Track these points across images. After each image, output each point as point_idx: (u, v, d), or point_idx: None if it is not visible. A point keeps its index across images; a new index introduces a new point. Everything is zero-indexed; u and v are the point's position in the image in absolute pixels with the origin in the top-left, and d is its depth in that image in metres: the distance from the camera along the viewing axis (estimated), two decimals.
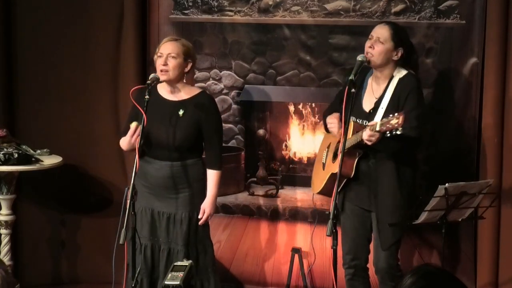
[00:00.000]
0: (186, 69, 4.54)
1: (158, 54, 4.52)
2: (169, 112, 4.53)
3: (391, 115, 4.03)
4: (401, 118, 3.94)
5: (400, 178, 4.33)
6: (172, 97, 4.56)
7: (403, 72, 4.37)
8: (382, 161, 4.31)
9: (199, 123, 4.52)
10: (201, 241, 4.59)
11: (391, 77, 4.37)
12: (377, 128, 4.06)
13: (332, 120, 4.49)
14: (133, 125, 4.43)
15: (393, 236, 4.38)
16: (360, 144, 4.23)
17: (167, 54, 4.49)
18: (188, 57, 4.53)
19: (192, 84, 4.76)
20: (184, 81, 4.57)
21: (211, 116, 4.56)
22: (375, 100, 4.39)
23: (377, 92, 4.41)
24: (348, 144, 4.21)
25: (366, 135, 4.12)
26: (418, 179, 4.85)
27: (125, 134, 4.55)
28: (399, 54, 4.35)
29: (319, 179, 4.63)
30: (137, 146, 4.29)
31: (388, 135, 4.02)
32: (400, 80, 4.35)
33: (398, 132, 3.97)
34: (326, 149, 4.65)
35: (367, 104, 4.41)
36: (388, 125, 4.00)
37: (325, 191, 4.58)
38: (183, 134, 4.49)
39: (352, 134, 4.28)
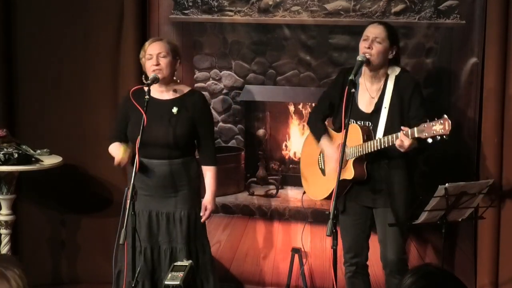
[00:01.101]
0: (176, 67, 4.57)
1: (147, 56, 4.52)
2: (165, 111, 4.53)
3: (428, 120, 3.97)
4: (446, 123, 3.89)
5: (410, 175, 4.35)
6: (164, 96, 4.57)
7: (397, 70, 4.37)
8: (395, 160, 4.30)
9: (194, 121, 4.54)
10: (200, 239, 4.60)
11: (386, 76, 4.37)
12: (416, 135, 4.00)
13: (332, 153, 4.41)
14: (121, 156, 4.43)
15: (406, 231, 4.44)
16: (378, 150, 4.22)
17: (156, 54, 4.49)
18: (176, 54, 4.56)
19: (181, 82, 4.79)
20: (175, 78, 4.59)
21: (204, 113, 4.61)
22: (374, 101, 4.37)
23: (373, 91, 4.39)
24: (364, 150, 4.22)
25: (406, 142, 4.03)
26: (418, 178, 4.85)
27: (113, 139, 4.60)
28: (394, 53, 4.36)
29: (323, 186, 4.58)
30: (137, 145, 4.29)
31: (430, 141, 3.97)
32: (397, 78, 4.35)
33: (445, 138, 3.93)
34: (321, 154, 4.61)
35: (364, 105, 4.40)
36: (431, 131, 3.94)
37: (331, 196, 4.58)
38: (181, 130, 4.50)
39: (363, 140, 4.26)
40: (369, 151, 4.24)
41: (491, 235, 4.95)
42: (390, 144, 4.14)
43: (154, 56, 4.49)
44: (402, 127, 4.10)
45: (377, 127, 4.31)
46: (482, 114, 4.93)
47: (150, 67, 4.50)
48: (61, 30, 5.48)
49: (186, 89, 4.62)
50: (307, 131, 4.76)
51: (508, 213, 4.92)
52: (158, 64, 4.48)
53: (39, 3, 5.48)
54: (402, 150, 4.10)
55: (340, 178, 4.41)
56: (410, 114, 4.26)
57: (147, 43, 4.59)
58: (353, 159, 4.30)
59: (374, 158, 4.32)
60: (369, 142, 4.23)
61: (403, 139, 4.05)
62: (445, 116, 3.94)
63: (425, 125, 3.97)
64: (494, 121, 4.89)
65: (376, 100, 4.37)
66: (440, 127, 3.91)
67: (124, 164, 4.50)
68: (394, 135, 4.14)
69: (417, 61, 4.96)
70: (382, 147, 4.19)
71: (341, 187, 4.27)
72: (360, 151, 4.25)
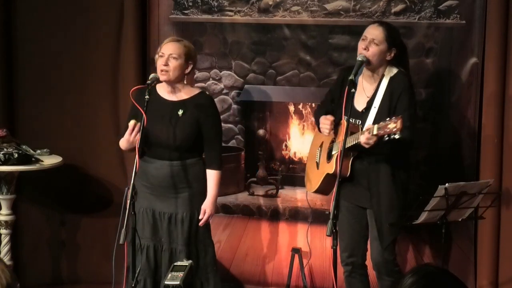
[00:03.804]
0: (187, 71, 4.53)
1: (160, 54, 4.51)
2: (169, 112, 4.53)
3: (388, 119, 4.03)
4: (398, 122, 3.95)
5: (395, 178, 4.34)
6: (172, 97, 4.56)
7: (394, 71, 4.37)
8: (377, 161, 4.32)
9: (199, 123, 4.53)
10: (202, 241, 4.59)
11: (382, 76, 4.38)
12: (374, 132, 4.06)
13: (325, 121, 4.45)
14: (131, 123, 4.42)
15: (391, 235, 4.40)
16: (356, 146, 4.23)
17: (168, 54, 4.48)
18: (189, 58, 4.52)
19: (192, 85, 4.75)
20: (185, 82, 4.57)
21: (210, 116, 4.56)
22: (367, 100, 4.39)
23: (369, 91, 4.41)
24: (343, 145, 4.22)
25: (363, 138, 4.12)
26: (418, 179, 4.85)
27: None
28: (392, 54, 4.36)
29: (315, 178, 4.63)
30: (137, 145, 4.29)
31: (386, 139, 4.02)
32: (391, 79, 4.36)
33: (396, 137, 3.97)
34: (319, 148, 4.65)
35: (359, 103, 4.41)
36: (385, 129, 4.00)
37: (321, 190, 4.60)
38: (182, 133, 4.50)
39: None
40: (345, 146, 4.24)
41: (491, 235, 4.95)
42: (356, 141, 4.18)
43: (165, 55, 4.47)
44: (366, 125, 4.17)
45: (364, 125, 4.33)
46: (482, 114, 4.94)
47: (159, 66, 4.49)
48: (61, 30, 5.48)
49: (195, 91, 4.60)
50: (310, 131, 4.78)
51: (508, 213, 4.93)
52: (166, 65, 4.47)
53: (39, 3, 5.48)
54: (366, 146, 4.14)
55: (324, 172, 4.45)
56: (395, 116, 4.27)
57: (165, 41, 4.57)
58: (337, 153, 4.33)
59: (360, 157, 4.34)
60: (346, 138, 4.25)
61: (366, 136, 4.10)
62: (400, 116, 4.00)
63: (382, 123, 4.04)
64: (494, 121, 4.89)
65: (368, 99, 4.38)
66: (393, 125, 3.97)
67: (137, 128, 4.39)
68: (359, 133, 4.18)
69: (417, 61, 4.96)
70: (352, 144, 4.21)
71: (327, 182, 4.30)
72: (339, 146, 4.27)
